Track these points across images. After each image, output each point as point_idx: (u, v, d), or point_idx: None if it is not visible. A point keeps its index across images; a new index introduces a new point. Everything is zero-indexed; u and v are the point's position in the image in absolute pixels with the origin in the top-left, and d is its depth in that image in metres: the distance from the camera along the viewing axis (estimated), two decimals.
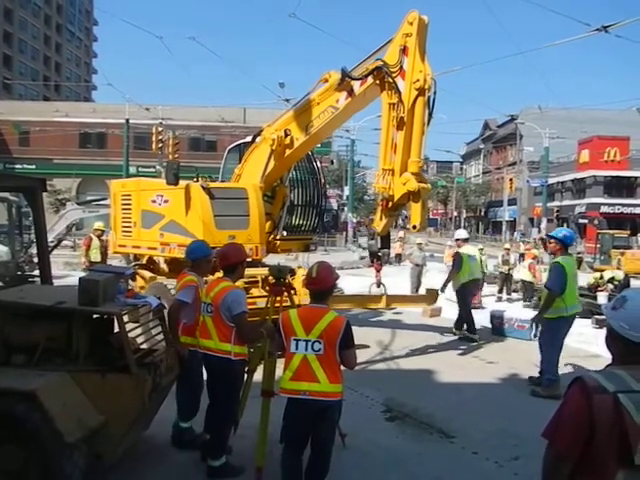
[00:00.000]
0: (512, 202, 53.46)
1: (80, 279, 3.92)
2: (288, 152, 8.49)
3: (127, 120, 32.87)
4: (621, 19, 10.14)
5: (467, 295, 9.90)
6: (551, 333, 6.63)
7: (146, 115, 32.37)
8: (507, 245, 18.03)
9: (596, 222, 30.18)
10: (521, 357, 8.41)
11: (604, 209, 42.17)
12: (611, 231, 28.44)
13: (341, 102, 7.83)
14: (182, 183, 8.08)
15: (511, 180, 41.52)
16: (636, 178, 44.40)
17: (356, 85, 7.63)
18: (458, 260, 9.74)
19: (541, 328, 6.94)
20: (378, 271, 8.29)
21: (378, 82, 7.36)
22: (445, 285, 9.79)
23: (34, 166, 42.63)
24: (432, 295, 9.87)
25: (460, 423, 5.53)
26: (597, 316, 12.34)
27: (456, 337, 9.72)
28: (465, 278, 9.66)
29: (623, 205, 43.48)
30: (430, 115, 7.23)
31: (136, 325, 4.56)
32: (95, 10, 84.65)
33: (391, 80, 7.14)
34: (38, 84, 64.89)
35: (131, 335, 4.14)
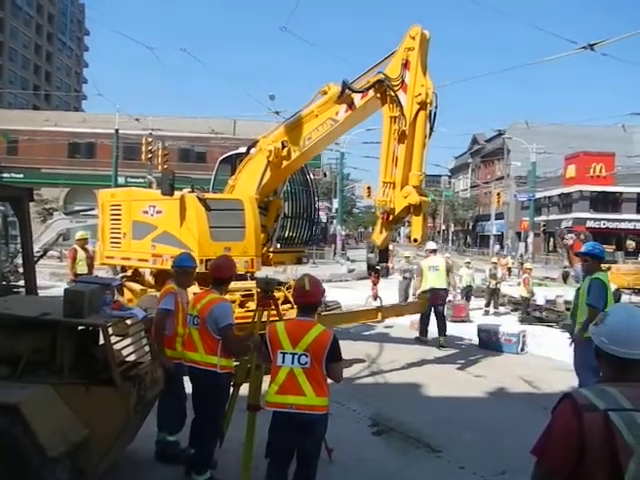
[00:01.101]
0: (500, 216, 53.96)
1: (65, 290, 3.89)
2: (285, 163, 8.45)
3: (117, 130, 32.80)
4: (607, 37, 10.35)
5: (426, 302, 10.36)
6: (585, 354, 5.61)
7: (136, 125, 32.30)
8: (494, 259, 18.20)
9: (582, 237, 30.37)
10: (508, 371, 8.44)
11: (590, 224, 42.66)
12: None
13: (341, 115, 7.84)
14: (176, 194, 7.96)
15: (499, 194, 41.89)
16: (621, 193, 45.09)
17: (357, 98, 7.65)
18: (418, 270, 10.82)
19: (574, 348, 6.21)
20: (375, 284, 8.32)
21: (379, 95, 7.42)
22: (414, 294, 10.52)
23: (22, 175, 42.26)
24: (423, 302, 10.01)
25: (447, 437, 5.52)
26: None
27: (443, 349, 9.89)
28: (424, 287, 10.34)
29: (608, 220, 44.07)
30: (431, 129, 7.34)
31: (122, 337, 4.52)
32: (87, 20, 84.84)
33: (393, 94, 7.20)
34: (28, 93, 64.59)
35: (116, 347, 4.10)
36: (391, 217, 7.36)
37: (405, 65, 7.21)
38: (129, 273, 9.46)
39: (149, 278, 9.17)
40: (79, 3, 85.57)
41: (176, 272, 4.89)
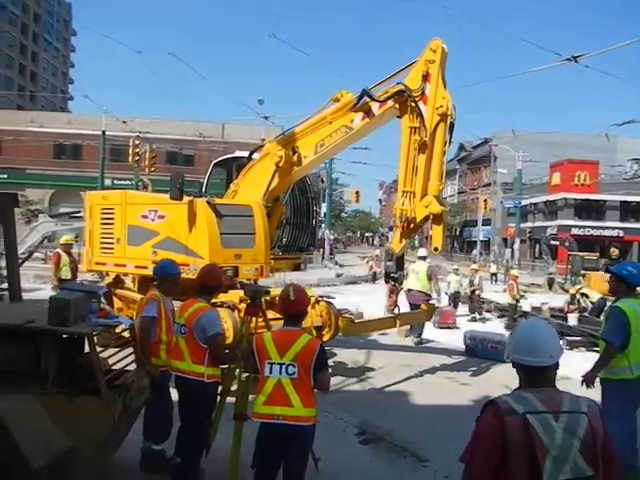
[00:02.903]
0: (486, 222, 54.37)
1: (50, 298, 3.84)
2: (295, 169, 8.37)
3: (103, 132, 32.54)
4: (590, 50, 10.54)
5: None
6: (611, 400, 4.89)
7: (123, 127, 32.08)
8: (474, 266, 18.30)
9: (567, 244, 30.85)
10: (494, 379, 8.48)
11: (575, 231, 43.19)
12: (581, 253, 29.14)
13: (356, 122, 7.83)
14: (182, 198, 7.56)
15: (485, 201, 42.19)
16: (605, 201, 45.69)
17: (375, 106, 7.67)
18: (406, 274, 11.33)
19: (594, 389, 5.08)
20: (393, 292, 8.32)
21: (398, 105, 7.48)
22: None
23: (6, 175, 41.78)
24: (430, 309, 10.14)
25: (433, 446, 5.54)
26: (568, 337, 12.58)
27: (419, 344, 10.87)
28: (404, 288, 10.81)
29: (593, 227, 44.64)
30: (450, 140, 7.45)
31: (107, 345, 4.47)
32: (74, 20, 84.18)
33: (414, 105, 7.27)
34: (12, 93, 63.81)
35: (102, 356, 4.06)
36: (411, 226, 7.42)
37: (426, 77, 7.29)
38: (111, 279, 9.18)
39: (131, 285, 8.99)
40: (66, 3, 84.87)
41: (160, 280, 4.82)
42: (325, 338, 7.93)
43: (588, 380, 4.97)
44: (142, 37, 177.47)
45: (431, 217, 7.30)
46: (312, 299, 7.89)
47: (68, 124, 43.12)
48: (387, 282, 8.40)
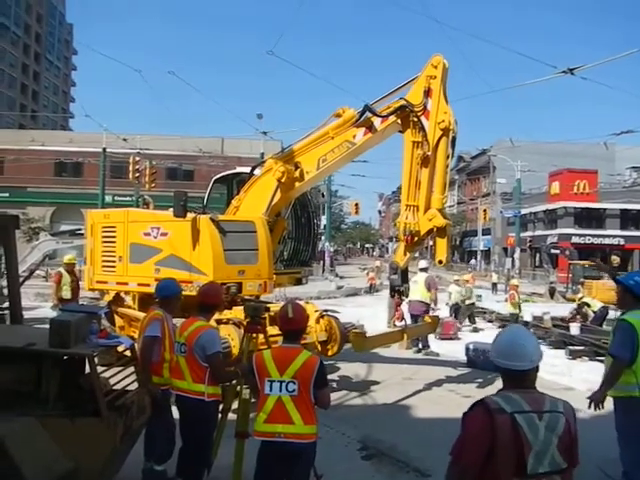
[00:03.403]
0: (486, 232, 54.43)
1: (51, 320, 3.87)
2: (297, 185, 8.40)
3: (104, 149, 32.76)
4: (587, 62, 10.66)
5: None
6: (621, 419, 4.72)
7: (123, 145, 32.29)
8: (466, 277, 18.17)
9: (567, 253, 30.84)
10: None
11: (575, 239, 43.21)
12: (582, 262, 29.11)
13: (359, 137, 7.89)
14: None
15: (485, 211, 42.26)
16: (604, 210, 45.77)
17: (377, 121, 7.73)
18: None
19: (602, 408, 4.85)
20: (399, 305, 8.33)
21: (400, 121, 7.57)
22: None
23: (7, 194, 41.97)
24: (434, 321, 10.19)
25: (435, 461, 5.49)
26: (571, 347, 12.54)
27: (425, 356, 11.05)
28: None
29: (593, 236, 44.67)
30: (453, 153, 7.55)
31: (109, 365, 4.49)
32: (75, 40, 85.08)
33: (416, 119, 7.36)
34: (14, 114, 64.32)
35: (103, 376, 4.08)
36: (415, 239, 7.48)
37: (427, 92, 7.38)
38: (110, 297, 9.15)
39: (130, 302, 8.99)
40: (67, 23, 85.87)
41: (167, 301, 4.82)
42: (330, 353, 7.94)
43: (597, 401, 4.70)
44: (142, 56, 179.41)
45: (435, 230, 7.37)
46: (317, 313, 7.90)
47: (69, 142, 43.45)
48: (392, 296, 8.39)
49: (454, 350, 11.54)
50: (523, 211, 42.06)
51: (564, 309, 18.44)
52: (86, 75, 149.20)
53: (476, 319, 16.42)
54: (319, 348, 7.84)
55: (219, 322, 7.11)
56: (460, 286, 16.52)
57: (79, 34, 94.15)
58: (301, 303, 6.89)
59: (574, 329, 13.91)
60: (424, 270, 12.13)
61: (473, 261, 49.56)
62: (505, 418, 2.27)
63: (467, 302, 16.15)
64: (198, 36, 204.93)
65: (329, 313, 8.28)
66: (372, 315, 15.67)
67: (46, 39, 77.48)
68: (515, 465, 2.25)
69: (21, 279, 11.56)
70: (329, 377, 8.58)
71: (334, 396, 7.35)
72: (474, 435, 2.32)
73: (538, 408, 2.33)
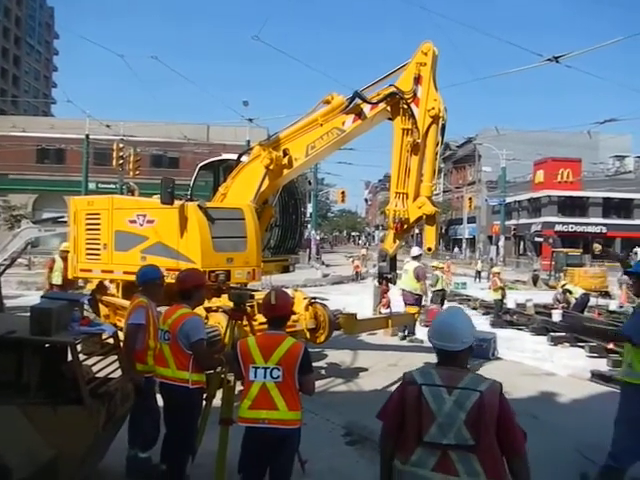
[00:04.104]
0: (471, 220, 54.84)
1: (32, 308, 3.82)
2: (286, 172, 8.30)
3: (87, 136, 32.26)
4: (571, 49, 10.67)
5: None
6: (622, 403, 4.78)
7: (107, 131, 31.81)
8: (435, 263, 18.11)
9: (550, 241, 31.25)
10: None
11: (558, 228, 43.77)
12: (565, 249, 29.51)
13: (348, 124, 7.81)
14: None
15: (470, 199, 42.64)
16: (587, 198, 46.33)
17: (366, 108, 7.67)
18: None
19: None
20: (385, 293, 8.33)
21: (389, 108, 7.51)
22: None
23: None
24: (412, 311, 10.53)
25: None
26: (552, 333, 12.75)
27: (410, 343, 11.15)
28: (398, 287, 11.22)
29: (576, 224, 45.27)
30: (442, 141, 7.51)
31: (93, 353, 4.46)
32: (56, 24, 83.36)
33: (406, 107, 7.30)
34: None
35: (85, 364, 4.05)
36: (405, 227, 7.48)
37: (417, 80, 7.32)
38: (94, 286, 9.07)
39: (114, 291, 8.91)
40: (48, 7, 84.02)
41: (145, 287, 4.81)
42: (319, 340, 7.97)
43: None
44: (125, 43, 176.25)
45: (424, 218, 7.35)
46: (305, 301, 7.92)
47: (51, 128, 42.65)
48: (380, 283, 8.41)
49: None
50: (508, 199, 42.44)
51: (547, 296, 18.73)
52: (68, 60, 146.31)
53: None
54: (308, 335, 7.86)
55: (209, 310, 7.09)
56: (444, 273, 16.62)
57: (60, 17, 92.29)
58: (289, 291, 6.89)
59: (556, 316, 14.15)
60: (416, 258, 12.02)
61: (456, 249, 49.92)
62: (413, 388, 2.50)
63: (434, 289, 16.14)
64: (183, 23, 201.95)
65: (318, 301, 8.30)
66: (358, 303, 15.73)
67: (26, 22, 75.76)
68: (417, 432, 2.45)
69: (2, 267, 11.48)
70: (317, 364, 8.71)
71: (320, 383, 7.39)
72: (391, 402, 2.63)
73: (451, 384, 2.47)
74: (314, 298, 8.35)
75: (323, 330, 7.97)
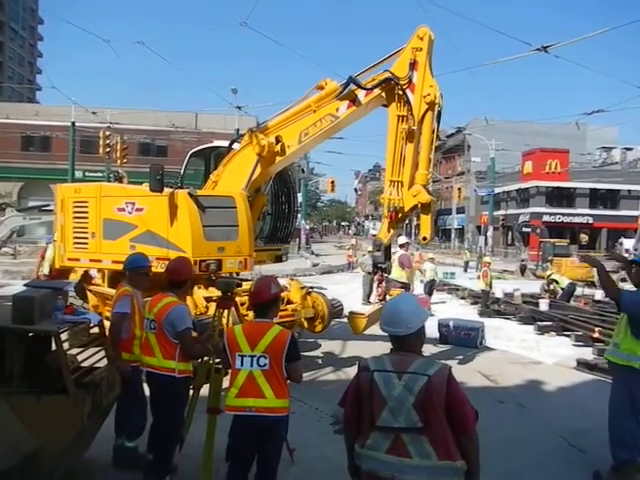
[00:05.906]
0: (460, 210, 55.06)
1: (14, 296, 3.75)
2: (278, 159, 8.12)
3: (73, 123, 31.76)
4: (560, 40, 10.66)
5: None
6: (614, 388, 4.72)
7: (94, 118, 31.35)
8: (430, 254, 18.21)
9: (538, 231, 31.45)
10: (467, 366, 8.64)
11: (546, 218, 44.03)
12: (552, 240, 29.73)
13: (342, 111, 7.65)
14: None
15: (459, 189, 42.60)
16: (575, 189, 46.66)
17: (361, 95, 7.50)
18: None
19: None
20: (381, 282, 8.27)
21: (384, 94, 7.36)
22: None
23: None
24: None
25: None
26: (539, 322, 12.86)
27: None
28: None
29: (563, 214, 45.61)
30: (438, 128, 7.37)
31: (75, 342, 4.40)
32: (40, 8, 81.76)
33: (401, 93, 7.16)
34: None
35: (71, 353, 4.00)
36: (399, 215, 7.37)
37: (413, 65, 7.18)
38: (78, 275, 8.93)
39: (99, 281, 8.77)
40: None
41: (131, 274, 4.76)
42: (317, 329, 7.92)
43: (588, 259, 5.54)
44: (111, 25, 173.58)
45: (419, 206, 7.25)
46: (303, 290, 7.86)
47: (36, 115, 41.92)
48: (375, 272, 8.30)
49: (427, 326, 11.64)
50: (496, 190, 42.62)
51: (534, 286, 18.89)
52: (53, 46, 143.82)
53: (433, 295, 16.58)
54: (305, 325, 7.81)
55: (209, 300, 7.02)
56: (434, 263, 16.69)
57: (44, 1, 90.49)
58: (284, 280, 6.89)
59: (543, 305, 14.28)
60: (403, 246, 12.02)
61: (437, 241, 50.11)
62: (366, 375, 2.60)
63: (424, 280, 16.24)
64: (169, 8, 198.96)
65: (316, 290, 8.26)
66: (348, 292, 15.76)
67: (10, 7, 74.11)
68: (371, 417, 2.54)
69: None
70: (312, 354, 8.69)
71: (308, 372, 7.39)
72: (349, 389, 2.74)
73: (401, 369, 2.56)
74: (312, 287, 8.30)
75: (321, 319, 7.94)
